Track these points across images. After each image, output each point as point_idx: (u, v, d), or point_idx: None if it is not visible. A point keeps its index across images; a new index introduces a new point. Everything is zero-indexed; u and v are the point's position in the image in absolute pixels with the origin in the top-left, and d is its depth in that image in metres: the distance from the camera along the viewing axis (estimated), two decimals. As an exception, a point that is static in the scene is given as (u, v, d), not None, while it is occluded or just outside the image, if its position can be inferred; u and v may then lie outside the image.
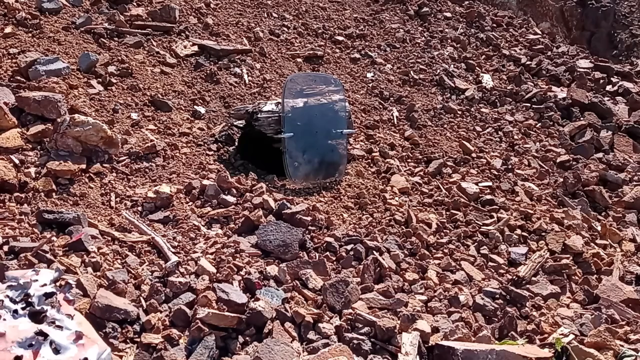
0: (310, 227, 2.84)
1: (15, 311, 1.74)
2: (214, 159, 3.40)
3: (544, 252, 2.99)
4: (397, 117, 4.17)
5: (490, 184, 3.59)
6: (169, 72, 3.92)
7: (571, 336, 2.39)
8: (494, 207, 3.33)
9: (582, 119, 4.42)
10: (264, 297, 2.26)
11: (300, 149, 3.47)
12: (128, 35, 4.05)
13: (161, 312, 2.15)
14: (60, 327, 1.73)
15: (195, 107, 3.74)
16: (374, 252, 2.71)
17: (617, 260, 3.05)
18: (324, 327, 2.18)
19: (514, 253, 2.98)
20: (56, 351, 1.66)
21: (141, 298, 2.21)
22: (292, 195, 3.22)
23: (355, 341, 2.13)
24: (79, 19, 4.00)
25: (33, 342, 1.65)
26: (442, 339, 2.25)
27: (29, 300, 1.78)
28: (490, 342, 2.27)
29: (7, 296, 1.77)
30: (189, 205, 2.90)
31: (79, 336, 1.72)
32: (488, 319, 2.51)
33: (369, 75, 4.56)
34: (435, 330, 2.30)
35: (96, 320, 2.01)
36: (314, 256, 2.64)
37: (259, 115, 3.46)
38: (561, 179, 3.75)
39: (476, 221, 3.18)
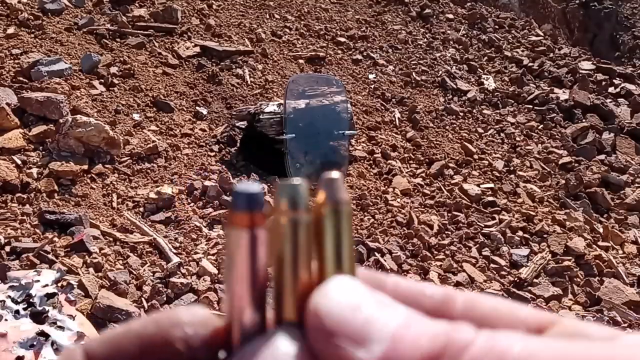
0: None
1: (17, 312, 1.74)
2: (216, 160, 3.40)
3: (546, 254, 2.99)
4: (398, 118, 4.17)
5: (492, 185, 3.59)
6: (171, 73, 3.92)
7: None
8: (496, 208, 3.32)
9: (584, 120, 4.41)
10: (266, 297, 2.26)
11: (302, 150, 3.47)
12: (130, 36, 4.06)
13: (162, 313, 2.15)
14: (61, 328, 1.73)
15: (197, 108, 3.75)
16: (376, 253, 2.71)
17: (619, 262, 3.05)
18: (325, 329, 2.18)
19: (516, 255, 2.98)
20: (58, 352, 1.66)
21: (143, 299, 2.21)
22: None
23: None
24: (82, 20, 4.01)
25: (34, 343, 1.65)
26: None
27: (31, 300, 1.79)
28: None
29: (9, 297, 1.77)
30: (190, 206, 2.90)
31: (80, 337, 1.72)
32: (490, 320, 2.50)
33: (371, 76, 4.56)
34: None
35: (98, 321, 2.01)
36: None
37: (261, 117, 3.46)
38: (563, 181, 3.75)
39: (478, 223, 3.18)
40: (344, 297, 0.23)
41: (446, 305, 0.27)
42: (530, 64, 5.14)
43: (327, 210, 0.25)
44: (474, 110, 4.43)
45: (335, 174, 0.26)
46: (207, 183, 3.02)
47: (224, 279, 0.24)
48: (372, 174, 3.61)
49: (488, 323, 0.26)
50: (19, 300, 1.77)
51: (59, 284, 1.94)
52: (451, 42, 5.23)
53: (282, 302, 0.25)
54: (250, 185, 0.24)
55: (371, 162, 3.70)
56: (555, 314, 0.26)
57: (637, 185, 3.83)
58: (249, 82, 4.09)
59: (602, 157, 4.11)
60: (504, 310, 0.26)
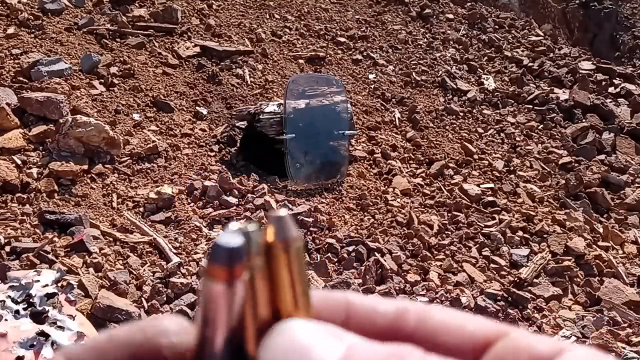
0: (311, 229, 2.84)
1: (17, 312, 1.74)
2: (216, 160, 3.40)
3: (546, 254, 2.99)
4: (398, 118, 4.17)
5: (492, 185, 3.59)
6: (171, 73, 3.92)
7: (573, 338, 2.39)
8: (496, 208, 3.32)
9: (584, 120, 4.41)
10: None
11: (302, 150, 3.47)
12: (130, 36, 4.06)
13: (162, 312, 2.15)
14: (61, 328, 1.73)
15: (197, 108, 3.75)
16: (376, 253, 2.71)
17: (619, 262, 3.05)
18: (325, 329, 2.18)
19: (516, 255, 2.98)
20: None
21: (143, 299, 2.21)
22: (294, 197, 3.22)
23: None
24: (82, 20, 4.00)
25: (35, 343, 1.65)
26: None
27: (31, 300, 1.79)
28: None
29: (9, 297, 1.77)
30: (190, 206, 2.90)
31: (80, 337, 1.72)
32: (490, 320, 2.50)
33: (371, 76, 4.56)
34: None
35: (98, 321, 2.01)
36: (315, 257, 2.65)
37: (261, 117, 3.46)
38: (563, 181, 3.75)
39: (478, 223, 3.18)
40: (284, 345, 0.24)
41: (399, 322, 0.27)
42: (530, 64, 5.14)
43: (277, 249, 0.25)
44: (474, 110, 4.43)
45: (282, 212, 0.26)
46: (207, 183, 3.02)
47: (196, 320, 0.25)
48: (372, 174, 3.61)
49: (438, 338, 0.26)
50: (19, 300, 1.77)
51: (59, 284, 1.94)
52: (451, 42, 5.23)
53: (244, 340, 0.25)
54: (232, 237, 0.24)
55: (371, 162, 3.70)
56: (504, 326, 0.26)
57: (637, 185, 3.83)
58: (249, 82, 4.09)
59: (602, 157, 4.10)
60: (453, 324, 0.27)
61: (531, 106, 4.57)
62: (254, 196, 2.98)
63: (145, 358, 0.26)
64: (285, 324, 0.25)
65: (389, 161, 3.69)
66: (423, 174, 3.65)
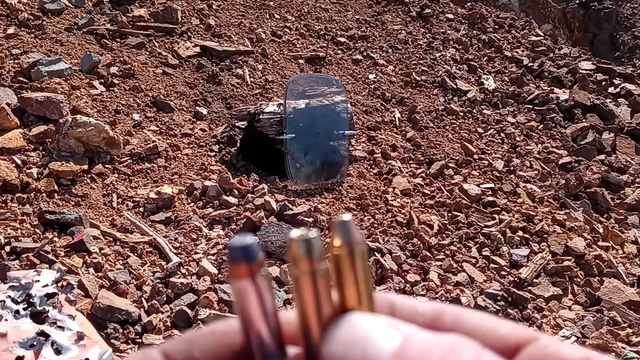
0: (312, 228, 2.84)
1: (17, 312, 1.74)
2: (216, 160, 3.40)
3: (546, 253, 2.99)
4: (398, 118, 4.17)
5: (492, 185, 3.59)
6: (171, 73, 3.92)
7: (573, 338, 2.39)
8: (496, 208, 3.32)
9: (584, 120, 4.41)
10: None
11: (302, 150, 3.47)
12: (130, 36, 4.06)
13: (162, 312, 2.16)
14: (61, 328, 1.73)
15: (197, 108, 3.75)
16: (376, 253, 2.71)
17: (619, 262, 3.05)
18: (325, 329, 2.18)
19: (516, 255, 2.98)
20: (57, 352, 1.66)
21: (143, 299, 2.21)
22: (294, 197, 3.22)
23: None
24: (82, 20, 4.01)
25: (35, 343, 1.65)
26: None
27: (31, 300, 1.79)
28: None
29: (9, 297, 1.77)
30: (190, 206, 2.90)
31: (80, 337, 1.72)
32: (490, 320, 2.50)
33: (371, 76, 4.56)
34: (437, 332, 2.30)
35: (98, 321, 2.01)
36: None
37: (260, 117, 3.46)
38: (563, 181, 3.75)
39: (478, 223, 3.18)
40: (345, 335, 0.26)
41: (436, 322, 0.29)
42: (530, 64, 5.13)
43: (342, 252, 0.27)
44: (474, 110, 4.43)
45: (346, 217, 0.28)
46: (207, 183, 3.02)
47: (239, 321, 0.28)
48: (372, 174, 3.61)
49: (473, 338, 0.27)
50: (19, 300, 1.77)
51: (59, 284, 1.94)
52: (451, 42, 5.23)
53: (310, 338, 0.27)
54: (244, 238, 0.26)
55: (371, 162, 3.70)
56: (533, 331, 0.28)
57: (637, 185, 3.83)
58: (249, 82, 4.09)
59: (602, 157, 4.10)
60: (487, 326, 0.28)
61: (531, 106, 4.57)
62: (254, 196, 2.98)
63: (227, 349, 0.28)
64: (346, 317, 0.26)
65: (389, 161, 3.69)
66: (423, 174, 3.65)
